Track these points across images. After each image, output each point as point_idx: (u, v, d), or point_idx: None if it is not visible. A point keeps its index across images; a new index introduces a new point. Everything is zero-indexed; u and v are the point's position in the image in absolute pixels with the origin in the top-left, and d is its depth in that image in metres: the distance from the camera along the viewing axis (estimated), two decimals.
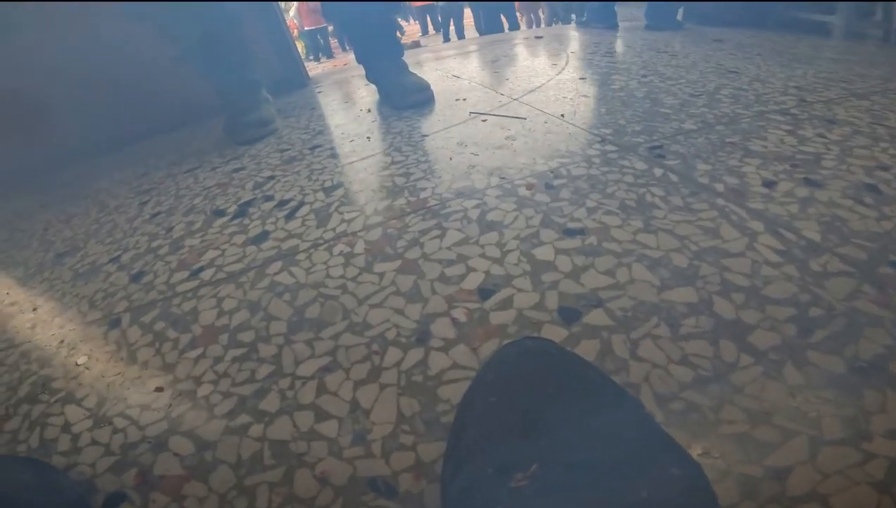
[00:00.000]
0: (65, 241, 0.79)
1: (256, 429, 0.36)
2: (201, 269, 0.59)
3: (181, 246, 0.65)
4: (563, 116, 0.82)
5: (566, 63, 1.20)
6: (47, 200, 1.03)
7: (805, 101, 0.78)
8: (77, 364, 0.48)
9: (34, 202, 1.03)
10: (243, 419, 0.38)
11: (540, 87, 1.03)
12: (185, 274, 0.58)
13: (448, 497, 0.22)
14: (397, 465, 0.32)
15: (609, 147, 0.67)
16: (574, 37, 1.62)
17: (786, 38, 1.27)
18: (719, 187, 0.55)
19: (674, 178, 0.57)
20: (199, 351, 0.45)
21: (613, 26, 1.68)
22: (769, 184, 0.54)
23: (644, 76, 0.97)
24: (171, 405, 0.40)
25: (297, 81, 1.55)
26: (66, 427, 0.41)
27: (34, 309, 0.61)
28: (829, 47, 1.16)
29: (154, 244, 0.68)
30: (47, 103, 1.22)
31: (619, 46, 1.29)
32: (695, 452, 0.29)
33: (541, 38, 1.70)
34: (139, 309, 0.54)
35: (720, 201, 0.52)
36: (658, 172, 0.59)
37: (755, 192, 0.53)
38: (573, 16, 1.83)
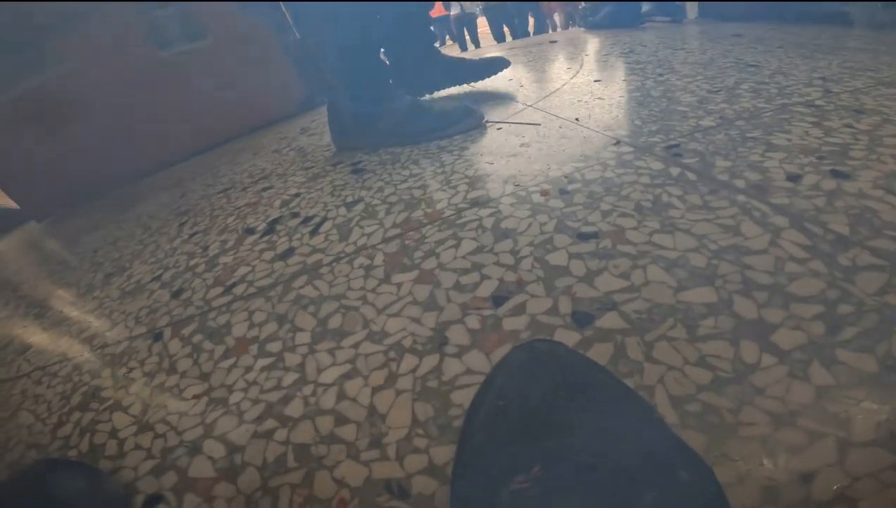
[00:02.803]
0: (112, 262, 0.85)
1: (281, 433, 0.39)
2: (234, 285, 0.62)
3: (216, 264, 0.70)
4: (577, 119, 0.82)
5: (581, 66, 1.20)
6: (96, 223, 1.11)
7: (831, 91, 0.75)
8: (124, 375, 0.52)
9: (84, 226, 1.12)
10: (270, 423, 0.40)
11: (554, 91, 1.03)
12: (220, 290, 0.62)
13: (454, 499, 0.23)
14: (411, 467, 0.33)
15: (624, 149, 0.67)
16: (589, 39, 1.61)
17: (807, 30, 1.21)
18: (740, 184, 0.53)
19: (691, 176, 0.57)
20: (231, 361, 0.48)
21: (637, 25, 1.64)
22: (794, 178, 0.53)
23: (660, 75, 0.96)
24: (206, 412, 0.43)
25: (319, 99, 1.61)
26: (112, 433, 0.45)
27: (86, 326, 0.66)
28: (852, 37, 1.10)
29: (192, 263, 0.73)
30: (91, 133, 1.32)
31: (634, 46, 1.27)
32: (712, 455, 0.28)
33: (555, 42, 1.71)
34: (179, 323, 0.58)
35: (741, 198, 0.51)
36: (675, 171, 0.58)
37: (779, 186, 0.52)
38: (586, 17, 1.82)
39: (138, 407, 0.47)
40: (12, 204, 1.35)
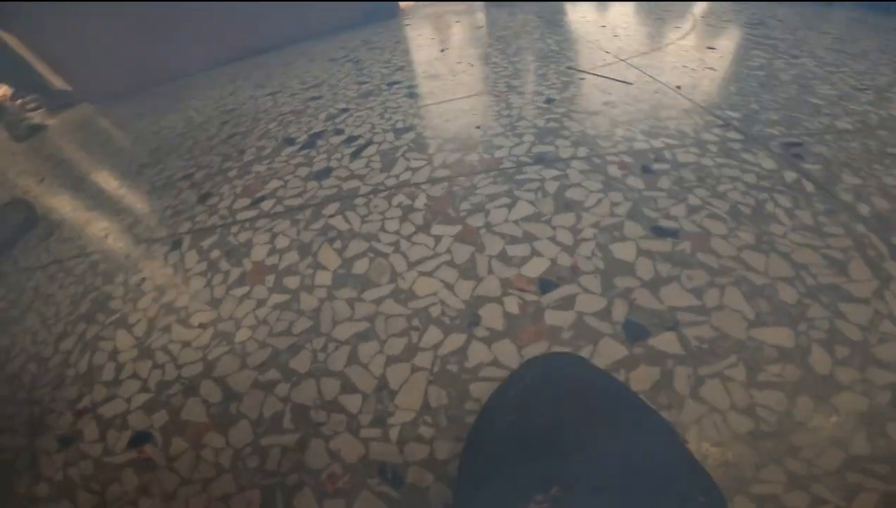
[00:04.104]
0: (150, 152, 0.83)
1: (282, 388, 0.35)
2: (262, 198, 0.58)
3: (249, 171, 0.65)
4: (679, 87, 0.70)
5: (693, 27, 1.02)
6: (144, 111, 1.08)
7: None
8: (136, 285, 0.50)
9: (133, 113, 1.09)
10: (272, 374, 0.37)
11: (655, 50, 0.88)
12: (247, 201, 0.58)
13: None
14: (410, 456, 0.30)
15: (732, 134, 0.56)
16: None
17: None
18: (863, 210, 0.43)
19: (809, 187, 0.46)
20: (245, 289, 0.45)
21: None
22: None
23: (795, 57, 0.79)
24: (209, 346, 0.40)
25: (385, 11, 1.47)
26: (113, 355, 0.42)
27: (111, 220, 0.64)
28: None
29: (225, 166, 0.69)
30: (155, 25, 1.25)
31: (766, 18, 1.05)
32: None
33: None
34: (200, 232, 0.55)
35: (860, 229, 0.41)
36: (790, 176, 0.48)
37: None
38: None
39: (143, 327, 0.44)
40: (66, 86, 1.34)
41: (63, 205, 0.73)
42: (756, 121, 0.58)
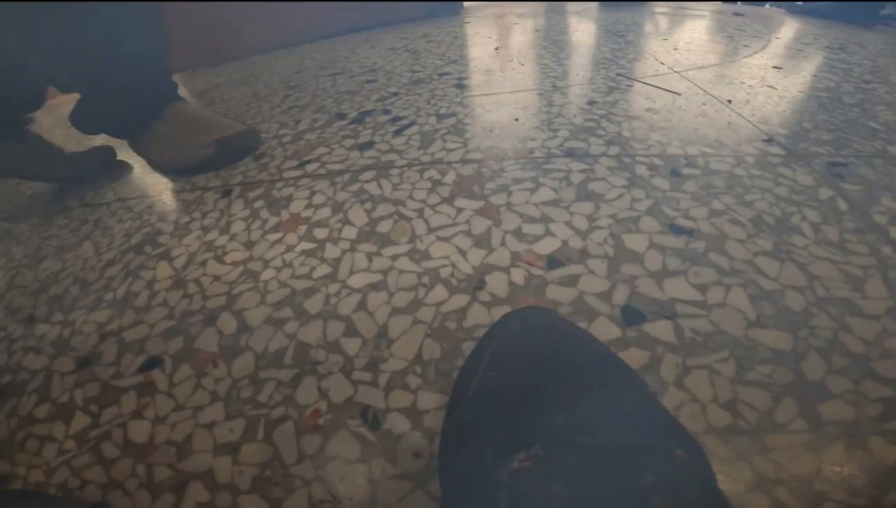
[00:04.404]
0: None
1: (292, 326, 0.39)
2: (308, 161, 0.63)
3: (301, 138, 0.71)
4: (730, 101, 0.68)
5: (763, 47, 0.98)
6: (220, 82, 1.18)
7: None
8: (185, 224, 0.55)
9: (210, 83, 1.19)
10: (285, 312, 0.40)
11: (715, 65, 0.86)
12: (295, 163, 0.63)
13: (447, 476, 0.21)
14: (393, 402, 0.32)
15: (774, 149, 0.55)
16: (788, 23, 1.30)
17: None
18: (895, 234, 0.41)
19: (842, 205, 0.45)
20: (278, 236, 0.49)
21: (868, 23, 1.22)
22: None
23: (867, 82, 0.75)
24: (236, 282, 0.44)
25: (449, 8, 1.52)
26: (150, 284, 0.46)
27: None
28: None
29: (281, 132, 0.75)
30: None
31: (848, 44, 1.00)
32: None
33: (741, 15, 1.41)
34: (249, 185, 0.60)
35: (886, 250, 0.39)
36: (825, 193, 0.47)
37: None
38: None
39: (182, 260, 0.49)
40: None
41: (136, 154, 0.82)
42: (804, 139, 0.56)
